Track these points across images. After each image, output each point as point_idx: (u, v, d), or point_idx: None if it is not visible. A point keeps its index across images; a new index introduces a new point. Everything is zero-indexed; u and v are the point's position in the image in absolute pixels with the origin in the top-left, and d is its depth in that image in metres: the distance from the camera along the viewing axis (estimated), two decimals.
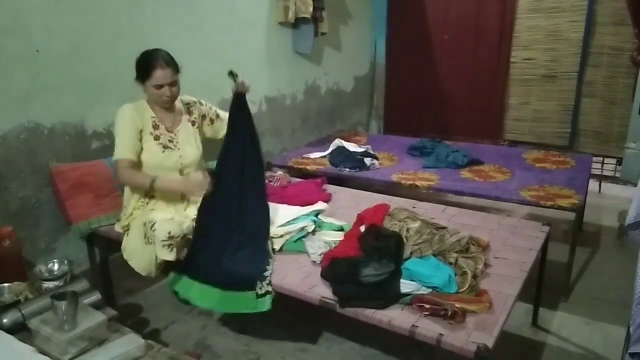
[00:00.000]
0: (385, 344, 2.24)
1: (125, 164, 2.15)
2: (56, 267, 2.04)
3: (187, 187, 2.18)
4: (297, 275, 1.87)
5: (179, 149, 2.28)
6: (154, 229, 2.00)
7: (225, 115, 2.37)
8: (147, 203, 2.23)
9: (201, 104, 2.45)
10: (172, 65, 2.17)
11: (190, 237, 2.05)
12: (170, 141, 2.26)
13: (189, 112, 2.39)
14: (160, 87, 2.15)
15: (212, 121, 2.45)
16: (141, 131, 2.19)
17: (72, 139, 2.37)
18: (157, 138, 2.23)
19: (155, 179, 2.13)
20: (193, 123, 2.38)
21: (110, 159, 2.42)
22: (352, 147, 3.46)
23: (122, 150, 2.15)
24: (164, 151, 2.23)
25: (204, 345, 2.30)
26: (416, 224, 2.03)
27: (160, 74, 2.13)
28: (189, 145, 2.31)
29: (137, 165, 2.19)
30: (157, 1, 2.68)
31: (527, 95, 4.43)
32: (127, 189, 2.30)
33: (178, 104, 2.36)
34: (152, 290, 2.72)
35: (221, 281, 1.94)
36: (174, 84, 2.19)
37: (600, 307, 2.55)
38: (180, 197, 2.28)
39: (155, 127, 2.23)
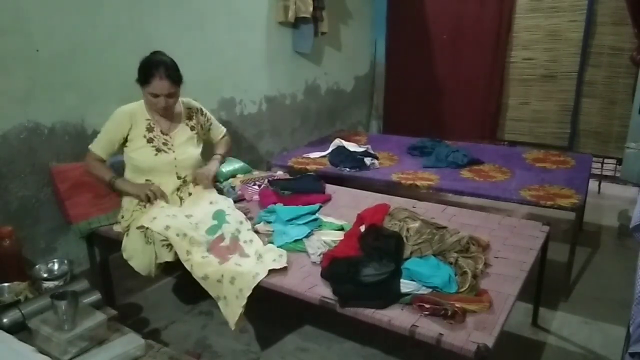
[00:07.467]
0: (385, 344, 2.24)
1: (95, 156, 2.25)
2: (56, 267, 2.04)
3: (140, 193, 2.18)
4: (297, 275, 1.87)
5: (174, 151, 2.28)
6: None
7: (217, 124, 2.58)
8: (144, 206, 2.23)
9: (202, 113, 2.49)
10: (173, 77, 2.15)
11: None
12: (164, 144, 2.27)
13: (189, 117, 2.40)
14: (156, 96, 2.16)
15: (208, 130, 2.54)
16: (127, 136, 2.23)
17: (72, 138, 2.36)
18: (150, 141, 2.24)
19: (115, 178, 2.24)
20: (192, 128, 2.38)
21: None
22: (352, 146, 3.46)
23: (98, 146, 2.25)
24: (156, 154, 2.23)
25: (204, 345, 2.30)
26: (416, 224, 2.03)
27: (157, 85, 2.13)
28: (185, 149, 2.32)
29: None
30: (157, 1, 2.68)
31: (527, 96, 4.43)
32: (124, 196, 2.31)
33: (179, 107, 2.37)
34: (152, 290, 2.72)
35: None
36: (171, 95, 2.19)
37: (600, 307, 2.55)
38: (179, 200, 2.29)
39: (150, 129, 2.25)
